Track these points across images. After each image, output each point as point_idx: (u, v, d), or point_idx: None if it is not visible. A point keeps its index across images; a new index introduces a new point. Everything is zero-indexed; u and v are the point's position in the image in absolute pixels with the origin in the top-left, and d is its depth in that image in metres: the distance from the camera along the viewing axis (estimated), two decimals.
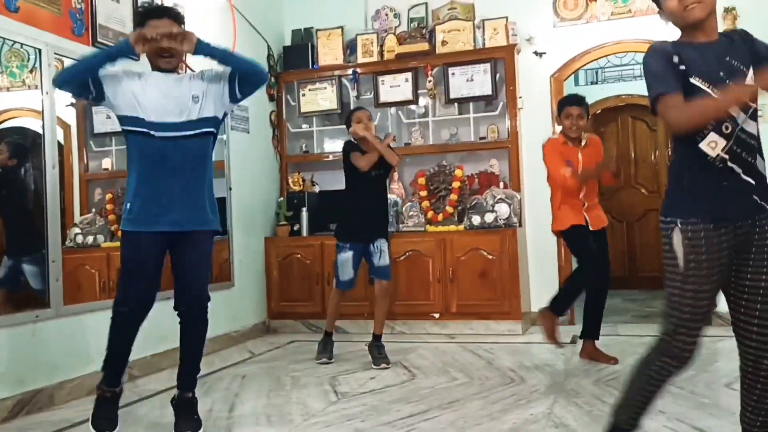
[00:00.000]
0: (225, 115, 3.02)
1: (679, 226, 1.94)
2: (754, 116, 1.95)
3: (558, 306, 4.04)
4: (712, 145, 1.91)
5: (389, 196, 5.64)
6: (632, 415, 2.08)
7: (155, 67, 2.87)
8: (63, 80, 2.85)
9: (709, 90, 1.90)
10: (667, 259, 1.98)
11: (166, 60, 2.83)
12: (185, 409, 2.90)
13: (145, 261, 2.80)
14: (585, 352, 4.12)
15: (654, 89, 1.94)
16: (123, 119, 2.82)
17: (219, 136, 5.24)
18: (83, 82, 2.75)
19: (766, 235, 1.93)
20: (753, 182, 1.93)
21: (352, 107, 5.88)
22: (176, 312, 2.91)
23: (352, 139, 4.35)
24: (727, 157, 1.91)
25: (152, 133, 2.75)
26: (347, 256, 4.29)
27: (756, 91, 1.89)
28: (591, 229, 4.06)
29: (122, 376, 2.94)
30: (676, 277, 1.95)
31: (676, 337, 1.95)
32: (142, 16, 2.98)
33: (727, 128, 1.90)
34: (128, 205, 2.81)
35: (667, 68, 1.93)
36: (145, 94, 2.78)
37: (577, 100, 4.17)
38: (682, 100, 1.89)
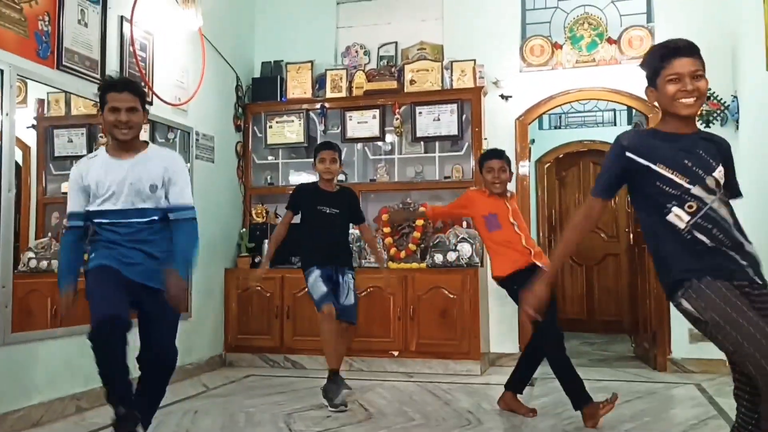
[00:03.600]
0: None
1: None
2: (724, 201, 2.16)
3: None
4: (677, 218, 2.14)
5: (352, 231, 5.63)
6: None
7: None
8: None
9: (673, 176, 2.13)
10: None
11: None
12: None
13: None
14: (503, 401, 3.93)
15: (594, 186, 2.35)
16: None
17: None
18: None
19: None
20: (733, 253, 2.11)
21: (319, 141, 5.90)
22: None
23: (306, 181, 4.44)
24: (694, 231, 2.12)
25: None
26: (315, 274, 4.17)
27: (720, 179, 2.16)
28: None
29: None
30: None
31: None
32: (104, 89, 2.94)
33: (690, 207, 2.11)
34: None
35: (612, 168, 2.26)
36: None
37: (497, 153, 4.06)
38: (598, 208, 2.31)
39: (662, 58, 2.19)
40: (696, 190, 2.11)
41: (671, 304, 2.21)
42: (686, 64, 2.15)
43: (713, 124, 5.16)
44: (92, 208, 2.85)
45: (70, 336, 3.87)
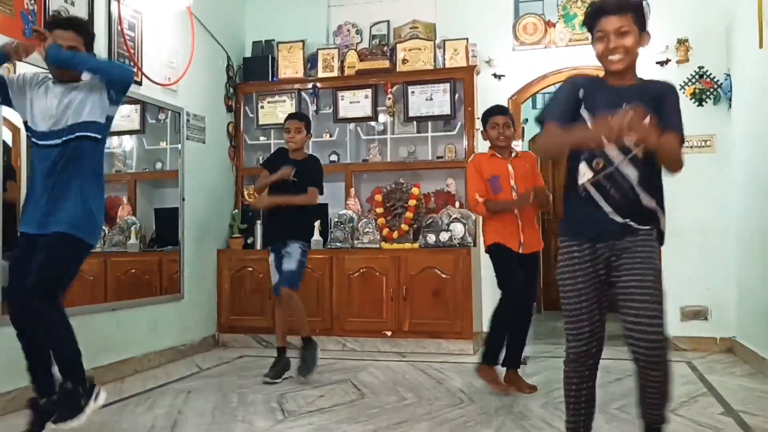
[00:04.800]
0: (109, 119, 3.01)
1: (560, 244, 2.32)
2: (635, 162, 2.16)
3: (490, 356, 3.88)
4: (581, 173, 2.22)
5: (345, 211, 5.64)
6: (573, 422, 2.36)
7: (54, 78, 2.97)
8: None
9: (590, 123, 2.18)
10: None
11: (59, 72, 2.92)
12: (60, 396, 2.83)
13: (17, 258, 2.93)
14: (506, 379, 3.92)
15: (543, 113, 2.33)
16: (24, 124, 3.00)
17: (172, 145, 5.21)
18: None
19: (629, 253, 2.19)
20: (614, 213, 2.18)
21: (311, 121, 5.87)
22: None
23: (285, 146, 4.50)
24: (591, 189, 2.20)
25: (33, 140, 2.93)
26: (270, 259, 4.37)
27: (643, 138, 2.03)
28: (523, 251, 3.86)
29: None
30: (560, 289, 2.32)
31: (570, 343, 2.31)
32: (49, 25, 3.00)
33: (597, 164, 2.18)
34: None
35: (567, 100, 2.27)
36: (37, 102, 2.92)
37: (501, 109, 4.05)
38: (557, 130, 2.20)
39: (590, 17, 2.27)
40: (609, 148, 2.14)
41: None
42: (611, 21, 2.19)
43: (706, 102, 5.15)
44: (28, 121, 2.93)
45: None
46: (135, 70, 2.86)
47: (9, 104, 2.98)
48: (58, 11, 3.34)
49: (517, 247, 3.87)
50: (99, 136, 2.96)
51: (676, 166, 2.16)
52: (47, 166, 2.86)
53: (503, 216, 3.89)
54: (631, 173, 2.16)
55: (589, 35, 2.32)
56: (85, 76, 2.88)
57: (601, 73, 2.34)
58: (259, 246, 5.61)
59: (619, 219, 2.17)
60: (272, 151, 4.81)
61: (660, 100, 2.19)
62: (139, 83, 4.68)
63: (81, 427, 3.16)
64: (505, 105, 5.50)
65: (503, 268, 3.88)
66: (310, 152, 5.80)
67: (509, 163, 3.94)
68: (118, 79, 2.96)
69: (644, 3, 2.30)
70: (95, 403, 2.84)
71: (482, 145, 5.46)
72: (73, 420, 2.75)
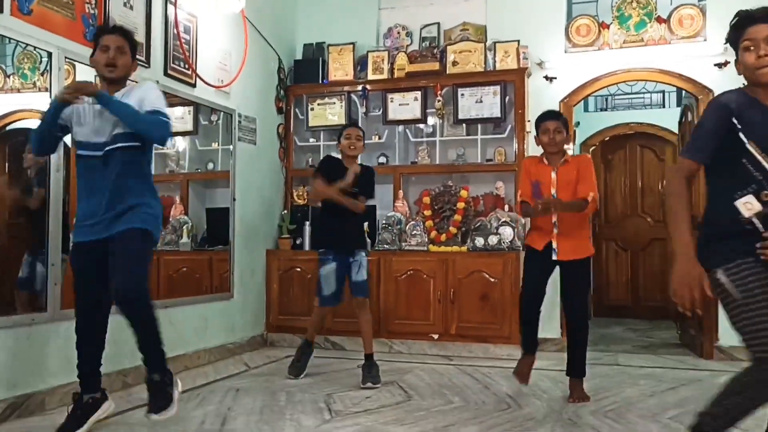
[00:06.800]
0: None
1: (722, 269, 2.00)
2: None
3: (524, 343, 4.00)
4: (748, 206, 1.97)
5: (393, 213, 5.64)
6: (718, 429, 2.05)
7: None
8: (36, 148, 3.12)
9: (760, 158, 1.96)
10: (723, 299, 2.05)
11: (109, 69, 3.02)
12: (151, 389, 2.93)
13: (82, 271, 3.06)
14: (569, 388, 3.88)
15: (687, 147, 2.09)
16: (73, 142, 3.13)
17: (224, 146, 5.29)
18: (51, 137, 3.05)
19: None
20: None
21: (360, 123, 5.90)
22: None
23: (334, 155, 4.55)
24: (757, 222, 1.96)
25: (81, 152, 3.02)
26: (331, 267, 4.28)
27: None
28: (557, 258, 3.78)
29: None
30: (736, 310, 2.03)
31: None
32: (99, 31, 3.14)
33: (766, 195, 1.95)
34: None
35: (715, 133, 2.02)
36: (83, 117, 3.00)
37: (552, 114, 3.96)
38: (695, 172, 2.05)
39: (736, 27, 2.11)
40: None
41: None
42: (761, 29, 2.04)
43: None
44: (76, 137, 3.03)
45: (115, 314, 3.96)
46: (170, 122, 3.03)
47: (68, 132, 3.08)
48: (105, 22, 3.53)
49: (542, 248, 3.82)
50: (139, 143, 3.01)
51: None
52: (98, 175, 2.95)
53: (542, 221, 3.85)
54: None
55: (730, 48, 2.15)
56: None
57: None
58: (307, 247, 5.66)
59: None
60: (323, 157, 4.78)
61: None
62: (194, 85, 4.77)
63: (136, 421, 3.25)
64: (557, 108, 5.46)
65: (526, 264, 3.97)
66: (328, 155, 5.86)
67: (554, 171, 3.83)
68: (151, 138, 3.04)
69: None
70: (178, 391, 2.99)
71: (533, 149, 5.42)
72: (169, 409, 2.89)
